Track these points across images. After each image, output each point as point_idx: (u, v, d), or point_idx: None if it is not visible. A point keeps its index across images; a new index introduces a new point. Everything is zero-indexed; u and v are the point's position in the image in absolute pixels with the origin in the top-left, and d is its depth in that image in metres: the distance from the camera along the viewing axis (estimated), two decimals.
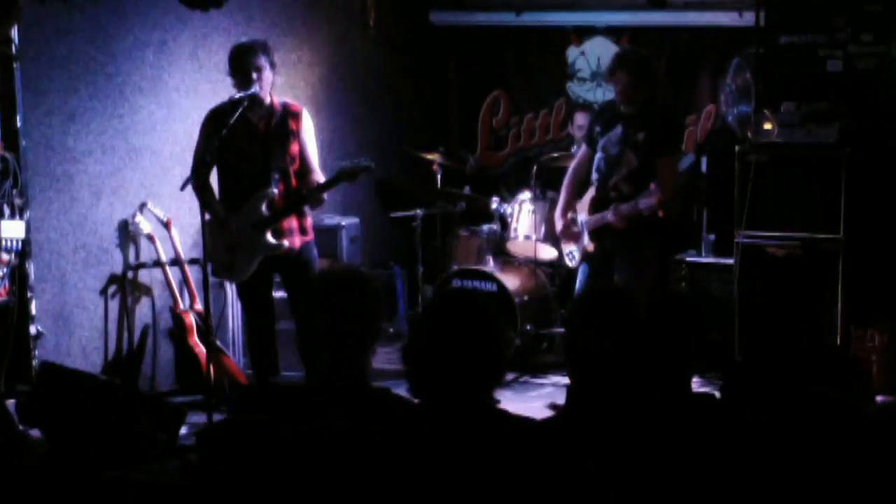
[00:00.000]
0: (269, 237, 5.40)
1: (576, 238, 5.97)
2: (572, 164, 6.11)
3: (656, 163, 5.68)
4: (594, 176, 5.86)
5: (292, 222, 5.47)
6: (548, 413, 5.45)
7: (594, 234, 5.85)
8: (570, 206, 6.00)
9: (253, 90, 5.29)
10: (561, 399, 5.92)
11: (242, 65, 5.34)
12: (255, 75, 5.31)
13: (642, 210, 5.56)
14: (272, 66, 5.41)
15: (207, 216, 5.33)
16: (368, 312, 3.02)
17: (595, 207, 5.86)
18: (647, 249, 5.83)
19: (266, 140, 5.42)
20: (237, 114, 5.27)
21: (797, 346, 5.94)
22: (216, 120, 5.41)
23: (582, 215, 5.93)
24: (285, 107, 5.48)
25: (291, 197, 5.45)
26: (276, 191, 5.40)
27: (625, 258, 5.77)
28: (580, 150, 6.15)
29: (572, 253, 6.05)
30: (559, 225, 6.02)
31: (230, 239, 5.44)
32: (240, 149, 5.40)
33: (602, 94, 7.63)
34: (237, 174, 5.47)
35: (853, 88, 6.28)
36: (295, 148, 5.45)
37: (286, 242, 5.43)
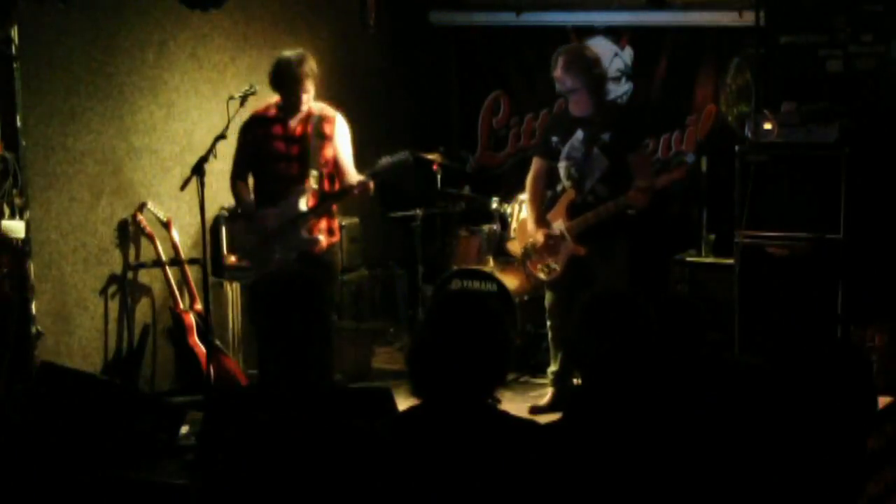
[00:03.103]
0: (304, 232, 5.50)
1: (556, 250, 5.93)
2: (530, 178, 6.03)
3: (627, 159, 5.70)
4: (565, 184, 5.83)
5: (321, 223, 5.61)
6: (528, 415, 5.47)
7: (579, 238, 5.83)
8: (542, 219, 5.96)
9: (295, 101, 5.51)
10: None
11: (291, 83, 5.50)
12: (304, 97, 5.51)
13: (657, 186, 5.72)
14: (314, 78, 5.58)
15: (227, 212, 5.45)
16: (312, 315, 3.04)
17: (574, 213, 5.82)
18: (623, 248, 5.86)
19: (302, 143, 5.56)
20: (276, 118, 5.53)
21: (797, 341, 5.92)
22: (255, 124, 5.62)
23: (558, 223, 5.89)
24: (321, 111, 5.63)
25: (325, 197, 5.58)
26: (315, 187, 5.53)
27: (604, 258, 5.77)
28: (534, 163, 6.05)
29: (549, 265, 5.94)
30: (539, 238, 5.94)
31: (264, 231, 5.56)
32: (277, 152, 5.57)
33: None
34: (274, 176, 5.62)
35: (853, 88, 6.29)
36: (329, 152, 5.60)
37: (321, 237, 5.55)
